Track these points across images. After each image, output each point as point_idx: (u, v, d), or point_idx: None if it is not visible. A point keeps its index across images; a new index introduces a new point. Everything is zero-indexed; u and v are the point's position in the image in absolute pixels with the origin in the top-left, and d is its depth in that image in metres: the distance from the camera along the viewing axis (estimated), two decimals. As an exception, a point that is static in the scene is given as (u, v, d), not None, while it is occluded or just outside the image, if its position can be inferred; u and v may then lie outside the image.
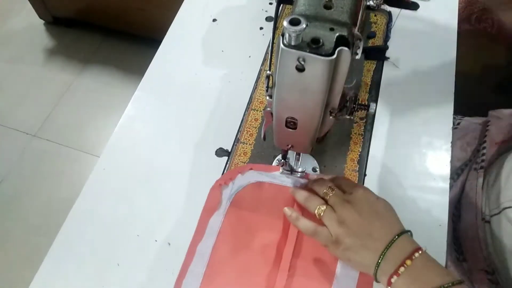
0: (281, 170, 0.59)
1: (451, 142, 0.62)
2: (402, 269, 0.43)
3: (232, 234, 0.56)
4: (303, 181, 0.58)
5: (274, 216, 0.57)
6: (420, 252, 0.44)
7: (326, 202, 0.51)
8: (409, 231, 0.47)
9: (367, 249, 0.46)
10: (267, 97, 0.44)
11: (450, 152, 0.61)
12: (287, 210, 0.54)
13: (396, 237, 0.45)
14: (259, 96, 0.67)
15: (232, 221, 0.56)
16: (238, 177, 0.59)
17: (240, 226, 0.56)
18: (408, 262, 0.43)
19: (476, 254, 0.60)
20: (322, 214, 0.49)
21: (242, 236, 0.56)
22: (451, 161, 0.61)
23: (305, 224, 0.51)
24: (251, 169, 0.60)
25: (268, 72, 0.41)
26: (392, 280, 0.43)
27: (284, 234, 0.55)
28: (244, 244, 0.55)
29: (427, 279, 0.43)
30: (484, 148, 0.66)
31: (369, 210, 0.48)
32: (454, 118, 0.64)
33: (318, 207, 0.50)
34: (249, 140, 0.63)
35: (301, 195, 0.54)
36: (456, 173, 0.70)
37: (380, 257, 0.44)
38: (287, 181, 0.59)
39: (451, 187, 0.67)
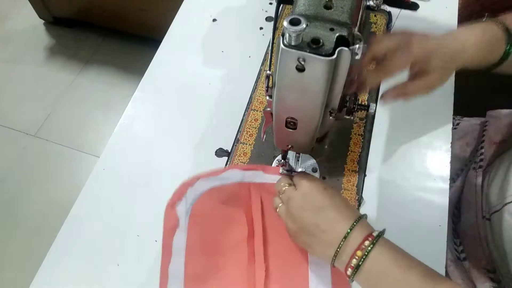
0: (281, 170, 0.59)
1: (451, 143, 0.62)
2: (354, 261, 0.42)
3: (199, 246, 0.55)
4: (251, 173, 0.59)
5: (235, 215, 0.57)
6: (369, 239, 0.42)
7: None
8: (364, 215, 0.45)
9: (320, 244, 0.45)
10: (267, 97, 0.44)
11: (449, 153, 0.61)
12: None
13: (349, 230, 0.43)
14: (259, 96, 0.67)
15: (196, 234, 0.56)
16: (189, 190, 0.58)
17: (206, 236, 0.56)
18: (359, 253, 0.42)
19: (477, 253, 0.60)
20: (278, 212, 0.51)
21: (210, 245, 0.55)
22: (451, 162, 0.61)
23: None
24: (198, 178, 0.59)
25: (268, 72, 0.41)
26: (348, 272, 0.43)
27: (250, 229, 0.55)
28: (215, 252, 0.55)
29: (383, 270, 0.41)
30: (482, 148, 0.66)
31: (313, 202, 0.47)
32: (453, 118, 0.64)
33: (277, 205, 0.51)
34: (249, 140, 0.63)
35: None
36: (456, 173, 0.70)
37: (335, 254, 0.43)
38: (237, 177, 0.59)
39: (451, 187, 0.67)
